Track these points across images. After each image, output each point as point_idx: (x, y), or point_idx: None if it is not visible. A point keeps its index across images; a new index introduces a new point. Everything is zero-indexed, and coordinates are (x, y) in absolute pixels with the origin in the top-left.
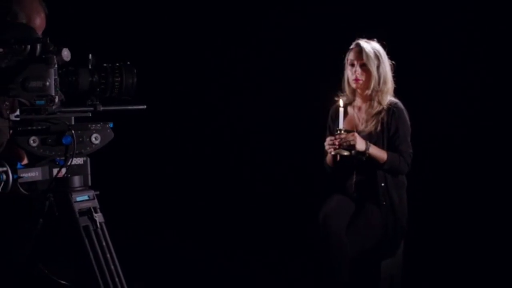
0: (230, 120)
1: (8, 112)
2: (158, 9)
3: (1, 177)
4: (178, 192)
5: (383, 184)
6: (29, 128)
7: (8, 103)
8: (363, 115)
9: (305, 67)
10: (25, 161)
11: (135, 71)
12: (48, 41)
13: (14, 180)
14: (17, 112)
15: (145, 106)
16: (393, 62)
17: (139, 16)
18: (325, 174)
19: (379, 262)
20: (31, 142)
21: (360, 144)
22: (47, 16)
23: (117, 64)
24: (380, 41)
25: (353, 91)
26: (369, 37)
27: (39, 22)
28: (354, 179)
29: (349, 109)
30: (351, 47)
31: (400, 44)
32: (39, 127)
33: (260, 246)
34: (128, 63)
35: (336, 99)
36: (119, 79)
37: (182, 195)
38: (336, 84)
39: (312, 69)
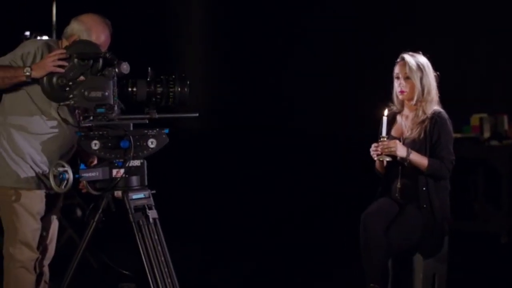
0: (284, 125)
1: (81, 118)
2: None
3: (64, 176)
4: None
5: (424, 189)
6: (91, 133)
7: (79, 111)
8: (409, 123)
9: (365, 78)
10: (95, 162)
11: (188, 82)
12: (108, 56)
13: (76, 179)
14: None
15: (197, 114)
16: (437, 73)
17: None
18: (376, 178)
19: (420, 261)
20: (93, 145)
21: (401, 151)
22: (111, 34)
23: (173, 76)
24: (424, 54)
25: (401, 102)
26: (415, 50)
27: (103, 39)
28: (398, 183)
29: (398, 117)
30: (397, 60)
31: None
32: (100, 132)
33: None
34: (183, 74)
35: (387, 108)
36: (173, 89)
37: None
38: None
39: (373, 81)
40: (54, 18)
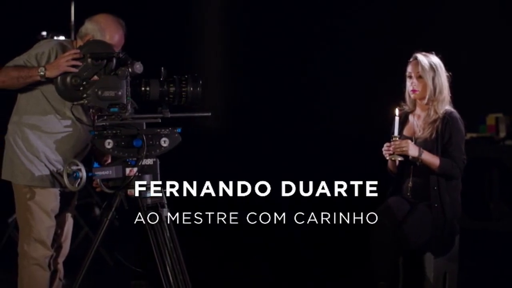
0: (298, 126)
1: (95, 117)
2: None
3: (77, 174)
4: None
5: (435, 188)
6: (105, 132)
7: (93, 111)
8: (420, 123)
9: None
10: (109, 160)
11: (200, 81)
12: (122, 56)
13: (89, 177)
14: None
15: (209, 113)
16: (450, 73)
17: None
18: (388, 177)
19: (431, 260)
20: (106, 144)
21: (413, 151)
22: (125, 34)
23: (185, 75)
24: (437, 54)
25: (413, 101)
26: (428, 50)
27: (117, 39)
28: (410, 182)
29: (410, 117)
30: (410, 60)
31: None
32: (114, 131)
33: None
34: (196, 74)
35: (399, 108)
36: (186, 89)
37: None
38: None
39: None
40: (72, 18)
